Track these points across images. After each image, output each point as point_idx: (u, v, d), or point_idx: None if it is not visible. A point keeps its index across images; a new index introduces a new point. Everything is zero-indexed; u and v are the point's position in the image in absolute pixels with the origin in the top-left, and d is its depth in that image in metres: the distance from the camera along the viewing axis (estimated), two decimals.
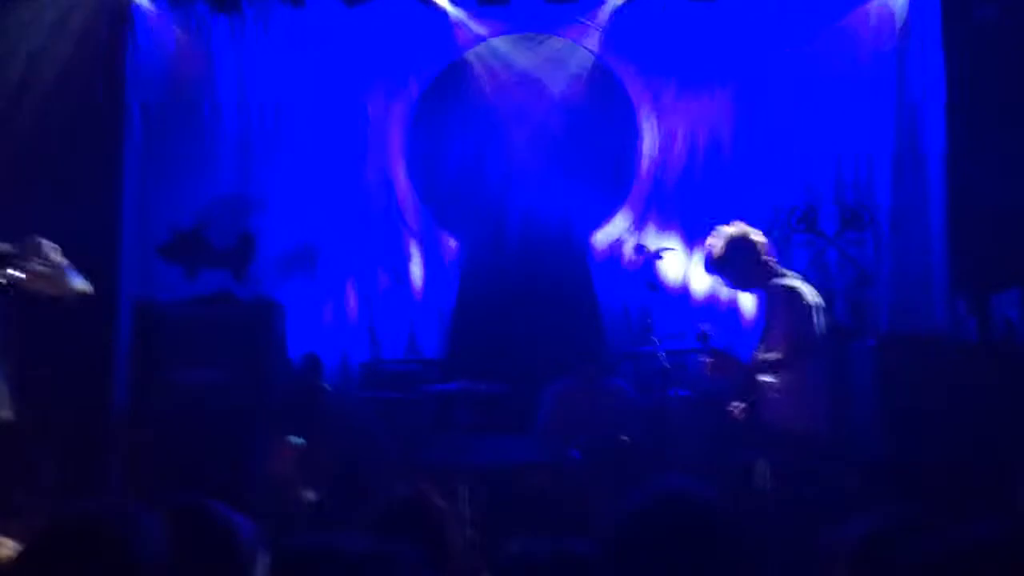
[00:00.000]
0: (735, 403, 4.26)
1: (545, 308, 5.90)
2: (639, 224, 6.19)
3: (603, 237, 6.22)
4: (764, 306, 4.33)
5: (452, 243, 6.23)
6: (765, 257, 4.25)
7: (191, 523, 1.86)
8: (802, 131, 6.07)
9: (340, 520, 2.25)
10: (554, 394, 5.47)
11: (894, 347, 4.89)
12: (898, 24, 5.96)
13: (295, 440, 4.92)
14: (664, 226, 6.14)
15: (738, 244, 4.23)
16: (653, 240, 6.14)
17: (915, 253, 5.88)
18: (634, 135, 6.23)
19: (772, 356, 4.13)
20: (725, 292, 5.70)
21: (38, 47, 5.67)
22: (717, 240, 4.28)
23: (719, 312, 5.93)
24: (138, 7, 6.03)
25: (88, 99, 5.75)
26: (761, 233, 4.30)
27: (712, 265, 4.35)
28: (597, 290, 6.12)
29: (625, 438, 4.89)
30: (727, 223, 4.30)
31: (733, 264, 4.25)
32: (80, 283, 3.56)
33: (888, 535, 1.70)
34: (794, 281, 4.25)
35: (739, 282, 4.37)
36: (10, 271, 3.21)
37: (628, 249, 6.18)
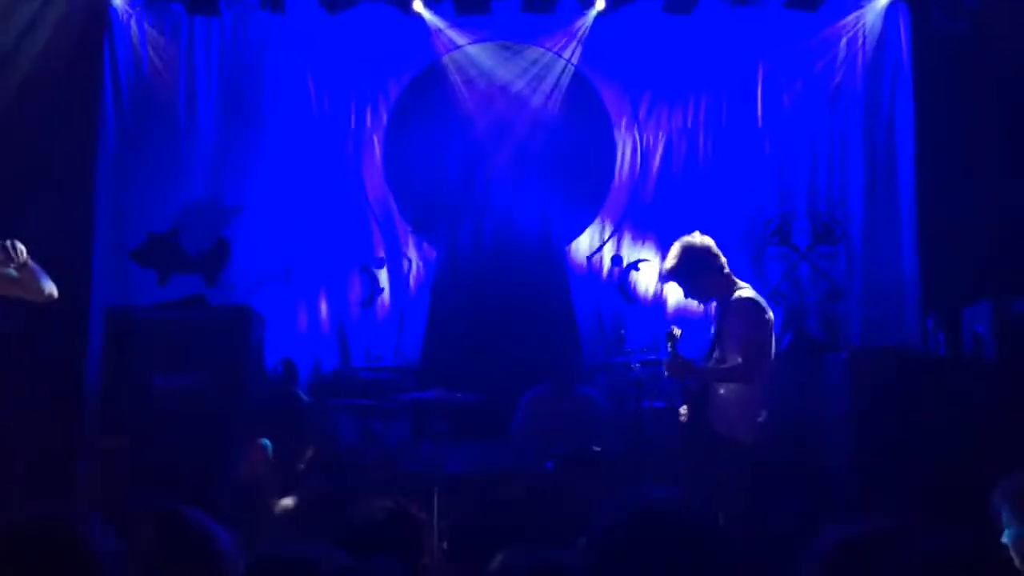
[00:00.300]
0: (682, 408, 4.30)
1: (521, 317, 5.92)
2: (616, 235, 6.23)
3: (579, 247, 6.25)
4: (718, 315, 4.37)
5: (428, 251, 6.23)
6: (721, 267, 4.30)
7: (169, 529, 1.85)
8: (776, 142, 6.14)
9: (316, 528, 2.23)
10: (527, 402, 5.49)
11: (866, 359, 4.94)
12: (870, 38, 6.06)
13: (264, 443, 4.89)
14: (640, 237, 6.19)
15: (693, 254, 4.28)
16: (629, 251, 6.18)
17: (887, 267, 5.96)
18: (611, 146, 6.27)
19: (726, 366, 4.18)
20: (697, 304, 5.74)
21: (10, 48, 5.60)
22: (673, 250, 4.35)
23: (692, 324, 5.97)
24: (114, 9, 5.98)
25: (62, 100, 5.70)
26: (714, 244, 4.33)
27: (669, 274, 4.43)
28: (573, 300, 6.15)
29: (597, 448, 4.91)
30: (704, 234, 4.36)
31: (689, 274, 4.31)
32: (49, 286, 3.53)
33: (861, 545, 1.73)
34: (751, 292, 4.30)
35: (694, 291, 4.42)
36: None
37: (604, 259, 6.21)
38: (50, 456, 5.03)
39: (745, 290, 4.30)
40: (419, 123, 6.21)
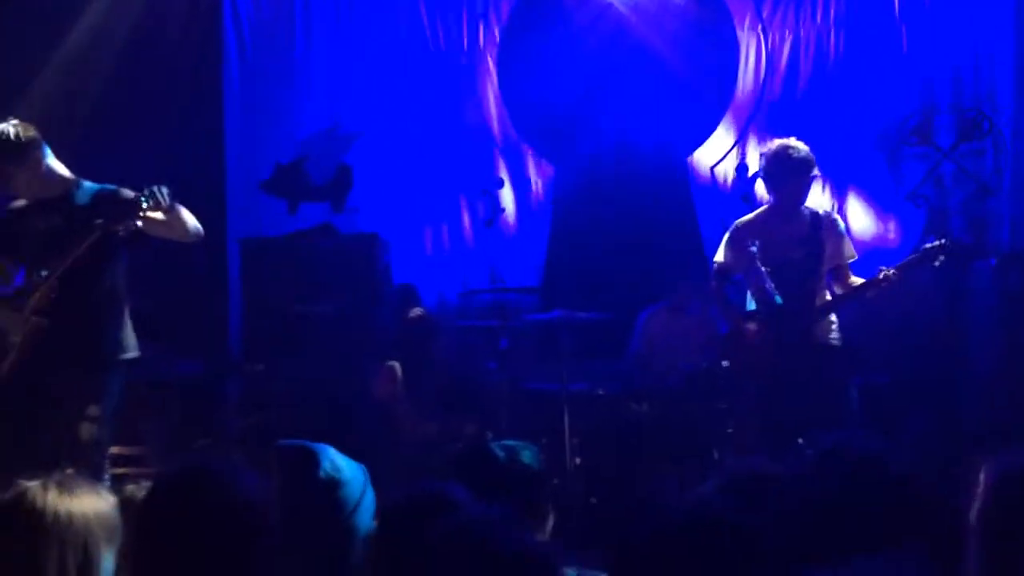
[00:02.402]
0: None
1: (643, 232, 5.83)
2: (740, 142, 6.00)
3: (702, 157, 6.05)
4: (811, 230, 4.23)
5: (547, 169, 6.17)
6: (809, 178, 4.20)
7: (300, 469, 1.94)
8: (915, 34, 5.72)
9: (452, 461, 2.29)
10: (644, 321, 5.45)
11: (1016, 265, 4.64)
12: None
13: (394, 365, 5.05)
14: (766, 143, 5.91)
15: (777, 158, 4.16)
16: (755, 158, 5.94)
17: None
18: (734, 48, 5.98)
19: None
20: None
21: None
22: (769, 149, 4.27)
23: None
24: None
25: (187, 43, 5.87)
26: (807, 154, 4.15)
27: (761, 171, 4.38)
28: (697, 212, 5.99)
29: (726, 363, 4.83)
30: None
31: (773, 176, 4.21)
32: (195, 226, 3.68)
33: None
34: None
35: (781, 197, 4.26)
36: (134, 219, 3.34)
37: (728, 169, 6.00)
38: (202, 380, 5.35)
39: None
40: (533, 39, 6.08)
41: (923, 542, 1.18)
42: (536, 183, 6.16)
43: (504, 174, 6.17)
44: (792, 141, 4.21)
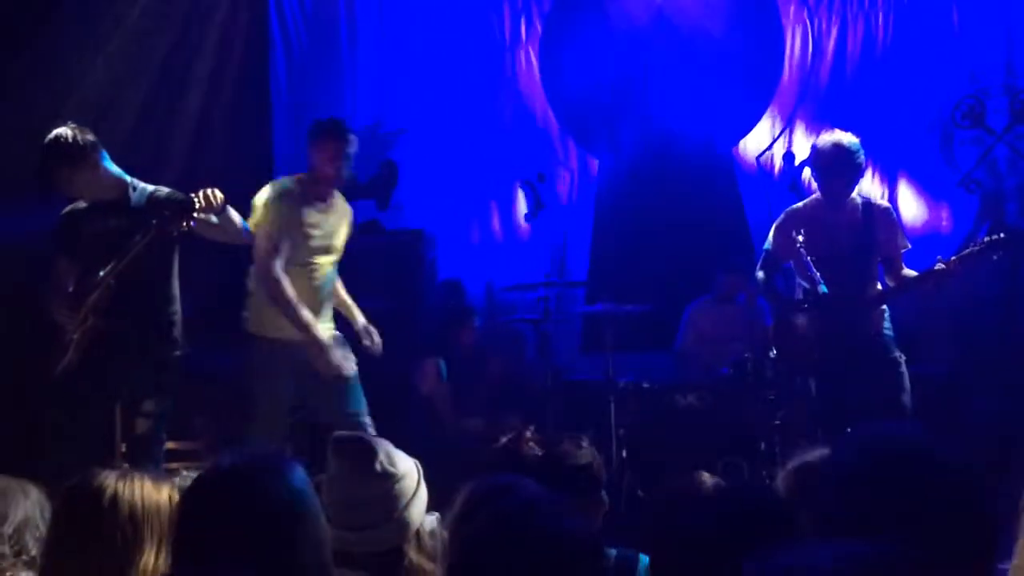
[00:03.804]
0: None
1: (689, 224, 5.78)
2: (787, 130, 5.91)
3: (748, 147, 5.98)
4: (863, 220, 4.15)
5: (591, 161, 6.15)
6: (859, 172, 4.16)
7: (357, 461, 1.97)
8: (966, 14, 5.58)
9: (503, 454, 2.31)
10: (692, 312, 5.42)
11: None
12: None
13: (439, 362, 5.08)
14: (814, 131, 5.81)
15: (827, 152, 4.10)
16: (802, 147, 5.85)
17: None
18: (779, 34, 5.90)
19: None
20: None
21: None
22: (819, 141, 4.21)
23: None
24: None
25: (236, 44, 5.95)
26: (858, 148, 4.10)
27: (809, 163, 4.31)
28: (744, 203, 5.92)
29: (774, 353, 4.78)
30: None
31: (822, 168, 4.16)
32: (244, 227, 3.76)
33: None
34: None
35: (829, 188, 4.19)
36: (187, 220, 3.41)
37: (775, 158, 5.93)
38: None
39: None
40: (574, 30, 6.06)
41: (951, 528, 1.17)
42: (580, 176, 6.15)
43: (548, 167, 6.17)
44: (842, 134, 4.15)
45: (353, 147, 4.07)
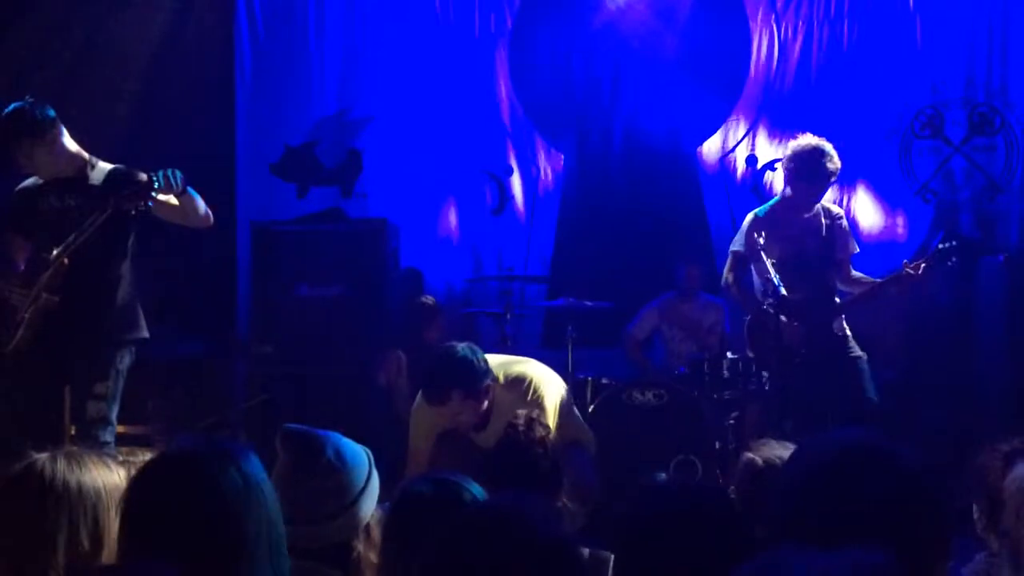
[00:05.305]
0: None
1: (651, 222, 5.82)
2: (750, 133, 5.98)
3: (711, 148, 6.04)
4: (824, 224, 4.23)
5: (557, 157, 6.17)
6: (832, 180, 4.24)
7: (304, 453, 1.95)
8: (929, 26, 5.68)
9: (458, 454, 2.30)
10: (655, 306, 5.45)
11: None
12: None
13: (399, 353, 5.06)
14: (777, 135, 5.90)
15: (807, 156, 4.16)
16: (765, 150, 5.92)
17: None
18: (745, 38, 5.96)
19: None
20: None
21: None
22: (793, 144, 4.28)
23: None
24: None
25: (200, 27, 5.87)
26: (836, 156, 4.18)
27: (786, 165, 4.36)
28: (705, 203, 5.98)
29: (731, 355, 4.84)
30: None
31: (798, 173, 4.22)
32: (204, 212, 3.69)
33: None
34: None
35: (800, 193, 4.26)
36: (145, 200, 3.35)
37: (738, 160, 5.99)
38: (212, 358, 5.39)
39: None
40: (544, 27, 6.07)
41: (906, 537, 1.18)
42: (545, 171, 6.16)
43: (513, 162, 6.17)
44: (823, 142, 4.22)
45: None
